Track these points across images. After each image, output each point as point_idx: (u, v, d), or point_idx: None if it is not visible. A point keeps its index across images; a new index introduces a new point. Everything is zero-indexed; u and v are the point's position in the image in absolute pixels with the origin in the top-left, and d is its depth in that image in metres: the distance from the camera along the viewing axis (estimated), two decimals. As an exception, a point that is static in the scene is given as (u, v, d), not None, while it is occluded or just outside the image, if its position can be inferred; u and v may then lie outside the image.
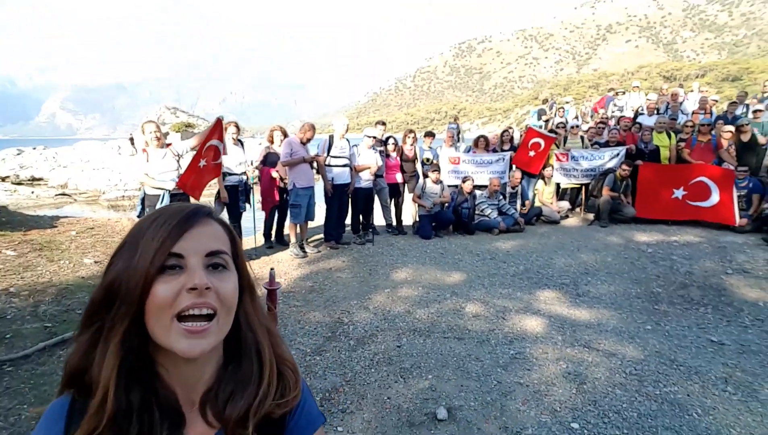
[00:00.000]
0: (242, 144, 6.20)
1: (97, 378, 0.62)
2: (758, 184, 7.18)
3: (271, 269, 3.07)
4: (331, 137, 6.14)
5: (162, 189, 4.91)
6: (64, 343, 3.41)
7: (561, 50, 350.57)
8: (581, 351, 3.61)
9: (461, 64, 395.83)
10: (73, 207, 14.76)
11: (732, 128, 7.71)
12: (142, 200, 5.01)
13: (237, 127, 6.18)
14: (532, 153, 8.23)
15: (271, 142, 6.44)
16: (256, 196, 6.50)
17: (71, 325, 3.69)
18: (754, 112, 8.53)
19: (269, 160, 6.28)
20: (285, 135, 6.26)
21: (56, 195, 17.05)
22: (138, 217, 4.92)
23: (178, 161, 5.07)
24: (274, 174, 6.13)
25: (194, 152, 5.26)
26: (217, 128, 5.36)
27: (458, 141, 9.01)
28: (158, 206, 4.47)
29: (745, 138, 7.58)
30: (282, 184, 6.22)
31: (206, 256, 0.66)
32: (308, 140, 6.02)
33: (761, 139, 7.45)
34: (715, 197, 7.26)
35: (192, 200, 5.21)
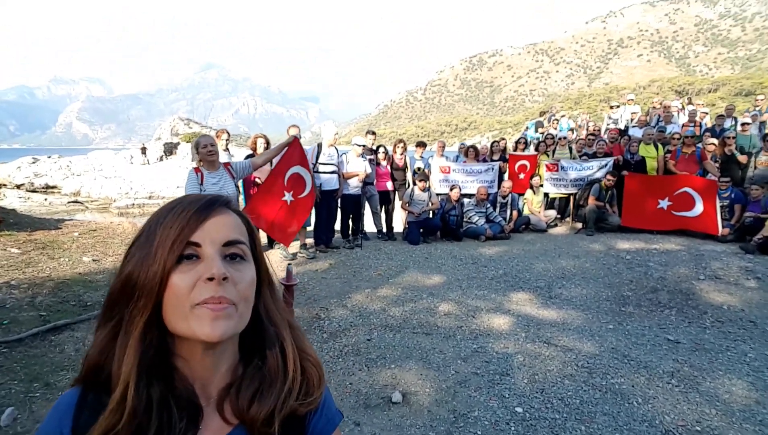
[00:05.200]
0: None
1: (117, 372, 0.60)
2: (740, 194, 7.32)
3: (289, 265, 3.22)
4: (320, 145, 6.43)
5: None
6: (56, 330, 3.70)
7: (572, 64, 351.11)
8: (540, 346, 3.81)
9: (472, 77, 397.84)
10: (84, 214, 15.17)
11: (715, 141, 7.88)
12: None
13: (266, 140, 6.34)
14: (521, 175, 8.60)
15: (254, 149, 6.43)
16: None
17: (65, 315, 3.98)
18: (742, 125, 8.71)
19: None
20: (267, 142, 6.46)
21: (69, 202, 17.51)
22: None
23: (236, 184, 4.24)
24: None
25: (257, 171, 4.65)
26: (296, 150, 4.32)
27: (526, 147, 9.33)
28: None
29: (729, 150, 7.76)
30: None
31: (224, 245, 0.64)
32: None
33: (741, 158, 7.64)
34: (699, 207, 7.40)
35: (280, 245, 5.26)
